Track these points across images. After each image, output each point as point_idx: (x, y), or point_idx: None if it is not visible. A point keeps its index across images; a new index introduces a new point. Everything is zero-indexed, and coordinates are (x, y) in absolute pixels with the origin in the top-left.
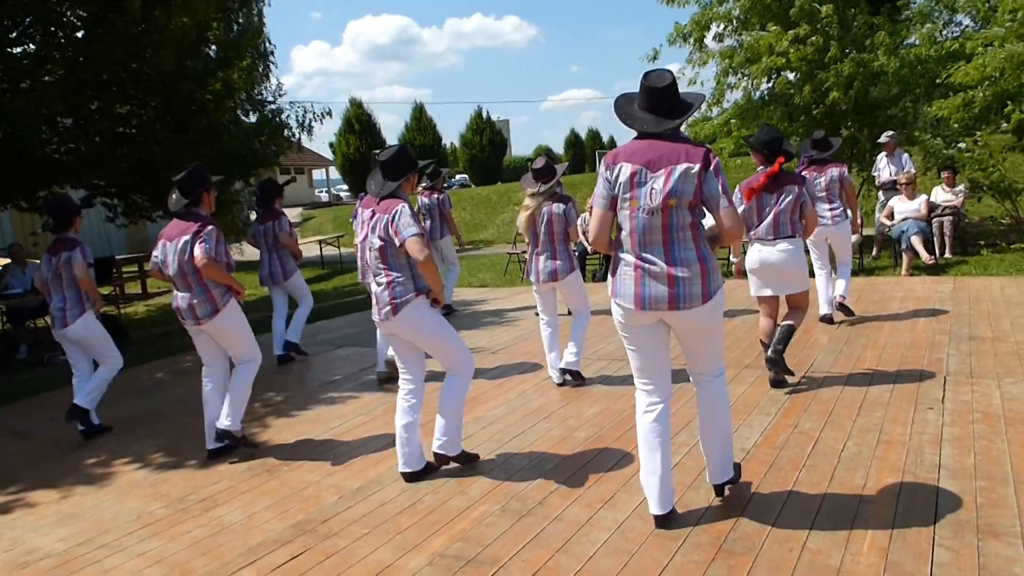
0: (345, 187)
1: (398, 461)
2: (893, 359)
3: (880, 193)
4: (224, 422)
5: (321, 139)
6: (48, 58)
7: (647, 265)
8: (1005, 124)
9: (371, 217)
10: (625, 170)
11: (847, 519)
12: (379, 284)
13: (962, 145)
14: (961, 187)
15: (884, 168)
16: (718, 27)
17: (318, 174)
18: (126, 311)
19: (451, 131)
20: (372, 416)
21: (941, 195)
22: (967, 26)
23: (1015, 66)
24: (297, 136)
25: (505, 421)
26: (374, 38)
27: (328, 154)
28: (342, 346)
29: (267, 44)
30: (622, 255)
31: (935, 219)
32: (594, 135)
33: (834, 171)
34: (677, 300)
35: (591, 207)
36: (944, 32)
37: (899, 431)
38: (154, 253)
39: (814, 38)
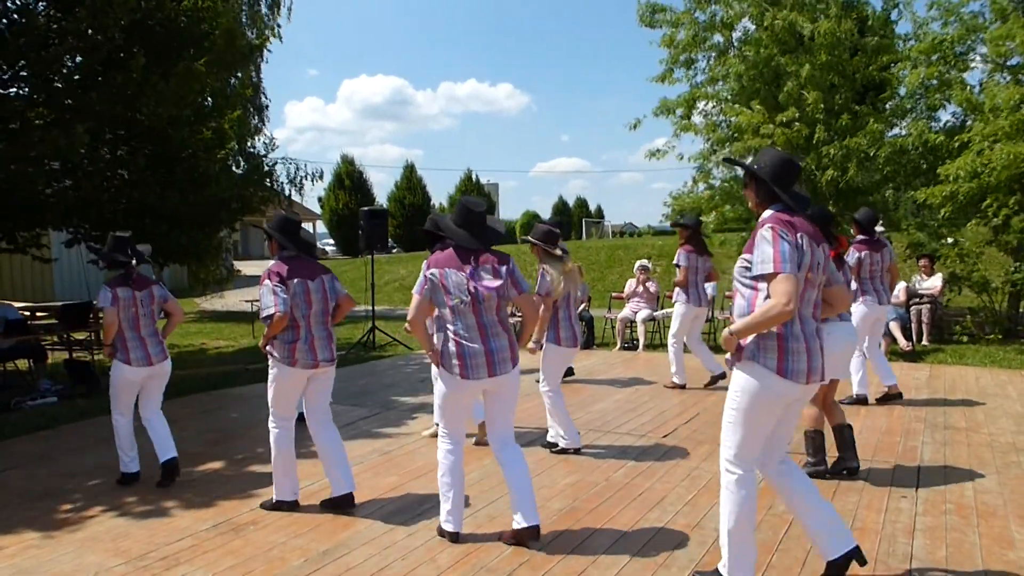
0: (331, 242)
1: (451, 520)
2: (869, 445)
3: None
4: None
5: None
6: (39, 101)
7: None
8: (995, 219)
9: (491, 268)
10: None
11: None
12: (497, 337)
13: (950, 240)
14: (939, 275)
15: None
16: (705, 104)
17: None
18: (100, 357)
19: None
20: None
21: (921, 283)
22: (947, 120)
23: (1009, 165)
24: (288, 192)
25: (478, 487)
26: (368, 97)
27: (316, 208)
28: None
29: (263, 98)
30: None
31: (913, 306)
32: (582, 203)
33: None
34: None
35: None
36: (928, 125)
37: (873, 518)
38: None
39: (799, 125)
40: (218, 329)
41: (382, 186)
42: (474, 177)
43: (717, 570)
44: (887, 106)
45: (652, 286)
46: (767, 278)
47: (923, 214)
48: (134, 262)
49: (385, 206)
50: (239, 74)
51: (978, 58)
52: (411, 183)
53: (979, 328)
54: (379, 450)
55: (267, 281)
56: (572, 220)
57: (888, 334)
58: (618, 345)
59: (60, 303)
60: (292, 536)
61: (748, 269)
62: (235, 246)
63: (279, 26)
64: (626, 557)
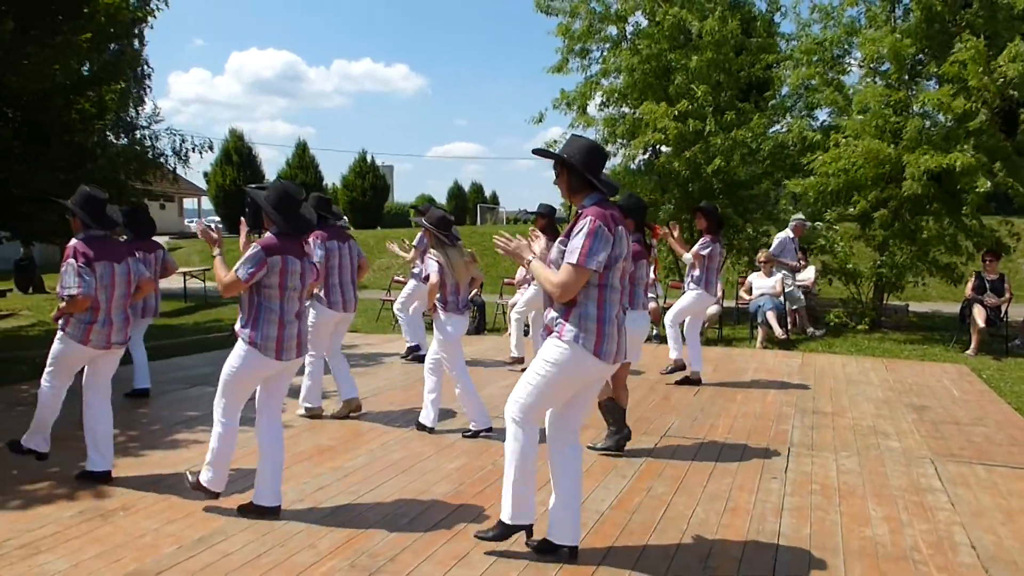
0: (217, 219)
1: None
2: (743, 429)
3: (788, 275)
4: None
5: (196, 168)
6: None
7: None
8: (852, 210)
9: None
10: None
11: None
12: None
13: (819, 224)
14: (812, 268)
15: (790, 251)
16: (602, 97)
17: (189, 203)
18: None
19: (333, 172)
20: None
21: (799, 275)
22: (823, 120)
23: (870, 160)
24: (172, 166)
25: (364, 472)
26: (258, 71)
27: (202, 184)
28: (196, 385)
29: (145, 67)
30: None
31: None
32: (477, 188)
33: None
34: None
35: None
36: (807, 123)
37: (745, 499)
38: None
39: (691, 121)
40: None
41: (272, 163)
42: (369, 158)
43: (500, 521)
44: (770, 104)
45: None
46: (567, 265)
47: (799, 205)
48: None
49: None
50: (123, 43)
51: (853, 62)
52: (303, 162)
53: (848, 318)
54: None
55: (71, 260)
56: (468, 205)
57: (765, 323)
58: (509, 331)
59: None
60: (165, 522)
61: (563, 253)
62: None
63: None
64: (508, 540)
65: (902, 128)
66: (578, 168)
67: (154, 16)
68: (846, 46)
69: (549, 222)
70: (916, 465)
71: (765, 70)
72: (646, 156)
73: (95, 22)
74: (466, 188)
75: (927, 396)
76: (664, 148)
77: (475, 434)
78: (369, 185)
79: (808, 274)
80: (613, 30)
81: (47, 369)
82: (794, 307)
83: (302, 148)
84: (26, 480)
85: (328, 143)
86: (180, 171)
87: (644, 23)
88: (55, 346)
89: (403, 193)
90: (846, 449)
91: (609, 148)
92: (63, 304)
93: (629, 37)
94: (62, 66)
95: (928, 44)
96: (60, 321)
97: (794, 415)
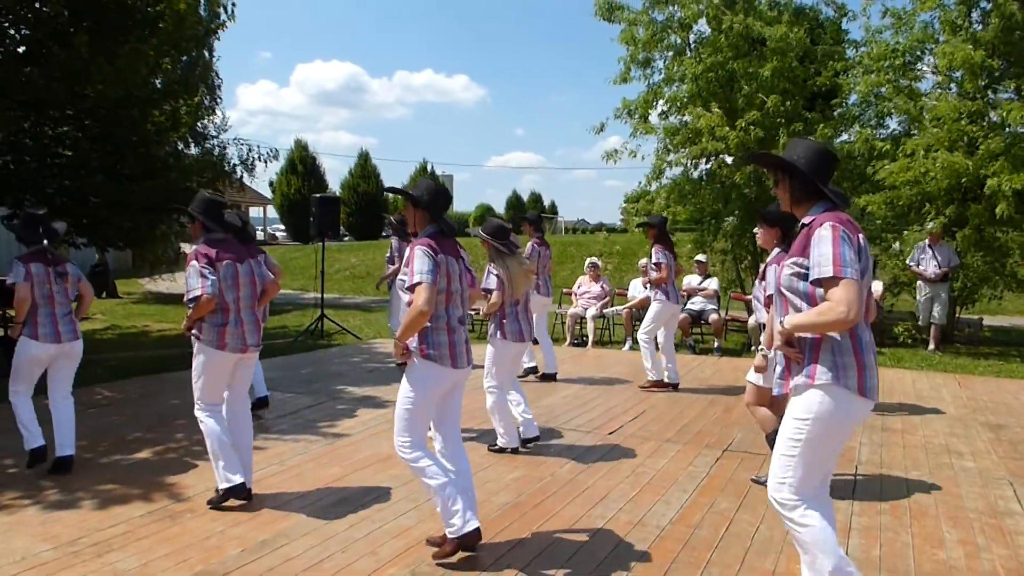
0: (282, 227)
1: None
2: None
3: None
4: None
5: (262, 177)
6: None
7: None
8: (931, 224)
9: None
10: None
11: None
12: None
13: (896, 245)
14: (879, 282)
15: (929, 259)
16: (664, 106)
17: (255, 212)
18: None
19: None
20: (286, 466)
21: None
22: (894, 128)
23: (947, 174)
24: (239, 175)
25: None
26: (322, 83)
27: (267, 193)
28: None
29: (216, 78)
30: None
31: None
32: (536, 198)
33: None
34: None
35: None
36: (875, 133)
37: None
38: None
39: (753, 129)
40: (162, 311)
41: (334, 173)
42: (429, 168)
43: None
44: (835, 113)
45: (603, 284)
46: (825, 283)
47: (865, 220)
48: (46, 241)
49: (338, 193)
50: (193, 55)
51: (926, 68)
52: (365, 171)
53: (917, 332)
54: (323, 440)
55: (194, 262)
56: (525, 213)
57: None
58: (567, 341)
59: None
60: (230, 525)
61: (801, 276)
62: (181, 229)
63: (233, 4)
64: (568, 553)
65: (977, 139)
66: (806, 174)
67: (223, 28)
68: (919, 52)
69: (660, 231)
70: (993, 487)
71: (832, 78)
72: (708, 166)
73: (162, 31)
74: (525, 198)
75: (1004, 414)
76: (728, 159)
77: (500, 449)
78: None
79: (876, 287)
80: (676, 38)
81: (196, 395)
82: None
83: (364, 158)
84: (97, 481)
85: (390, 153)
86: (247, 180)
87: (707, 31)
88: (195, 362)
89: (463, 203)
90: (917, 468)
91: (670, 157)
92: (191, 310)
93: (692, 45)
94: (133, 74)
95: (1008, 52)
96: (194, 332)
97: (862, 432)
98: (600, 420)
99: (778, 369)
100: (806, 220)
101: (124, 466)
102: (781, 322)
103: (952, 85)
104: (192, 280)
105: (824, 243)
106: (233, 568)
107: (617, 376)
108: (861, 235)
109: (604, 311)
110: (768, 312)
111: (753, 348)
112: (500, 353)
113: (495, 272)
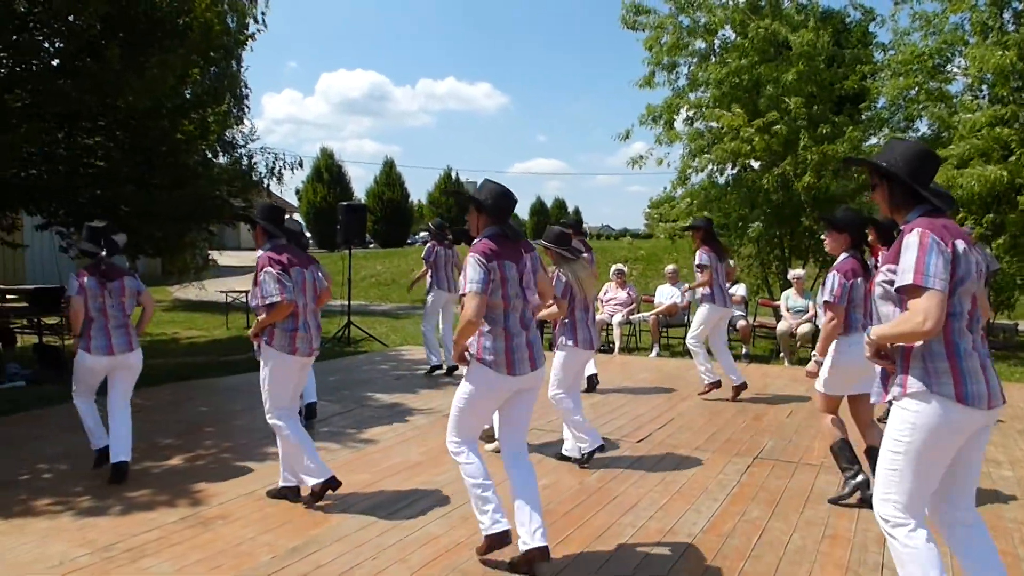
0: (308, 235)
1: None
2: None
3: None
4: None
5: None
6: (16, 83)
7: None
8: (972, 234)
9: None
10: None
11: None
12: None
13: None
14: None
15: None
16: (688, 112)
17: None
18: (69, 343)
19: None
20: None
21: None
22: (923, 132)
23: (984, 185)
24: (267, 183)
25: (453, 487)
26: (346, 91)
27: (294, 201)
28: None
29: (243, 88)
30: None
31: None
32: (560, 204)
33: None
34: None
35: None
36: (905, 136)
37: (844, 526)
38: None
39: (779, 127)
40: (191, 319)
41: (359, 180)
42: (454, 175)
43: None
44: (864, 116)
45: (629, 290)
46: (907, 291)
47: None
48: (104, 252)
49: (363, 201)
50: (221, 65)
51: (957, 70)
52: (390, 179)
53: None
54: (352, 447)
55: (269, 268)
56: (549, 219)
57: None
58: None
59: (31, 286)
60: (262, 531)
61: (892, 283)
62: (210, 237)
63: (263, 14)
64: (599, 561)
65: (1012, 143)
66: (903, 178)
67: (254, 39)
68: (948, 55)
69: (707, 233)
70: None
71: (860, 81)
72: (734, 171)
73: (190, 40)
74: (548, 204)
75: None
76: (754, 163)
77: (587, 456)
78: (455, 202)
79: None
80: (701, 44)
81: (267, 403)
82: None
83: (389, 166)
84: (130, 487)
85: (414, 161)
86: (274, 188)
87: (732, 36)
88: (264, 371)
89: None
90: None
91: (695, 162)
92: (263, 316)
93: (717, 51)
94: (162, 84)
95: None
96: (263, 339)
97: None
98: (628, 428)
99: (876, 377)
100: (903, 226)
101: (156, 473)
102: (869, 332)
103: (983, 87)
104: (270, 286)
105: (910, 250)
106: (265, 574)
107: (644, 383)
108: (961, 240)
109: (631, 317)
110: (826, 318)
111: (781, 355)
112: (570, 359)
113: (563, 278)
